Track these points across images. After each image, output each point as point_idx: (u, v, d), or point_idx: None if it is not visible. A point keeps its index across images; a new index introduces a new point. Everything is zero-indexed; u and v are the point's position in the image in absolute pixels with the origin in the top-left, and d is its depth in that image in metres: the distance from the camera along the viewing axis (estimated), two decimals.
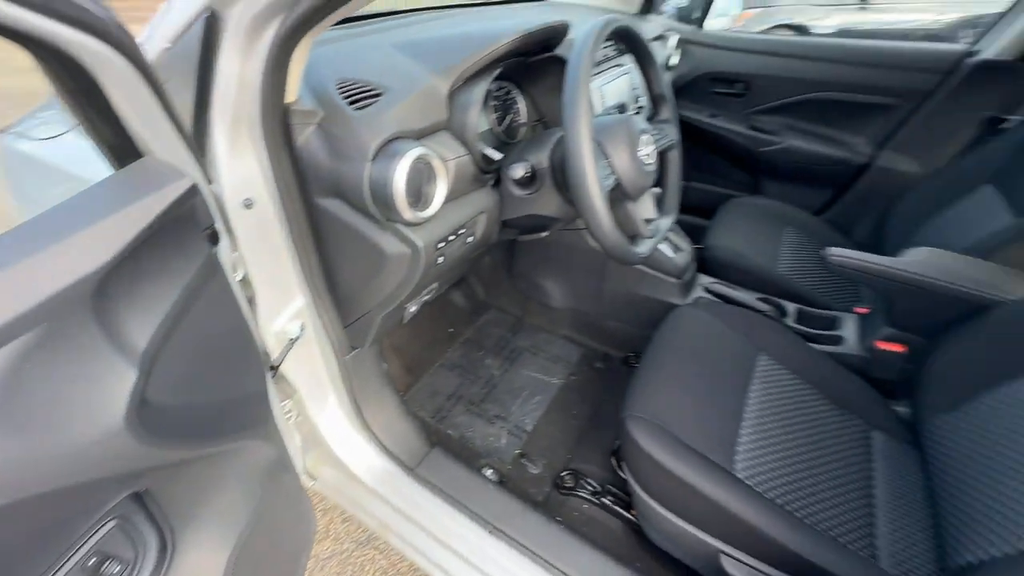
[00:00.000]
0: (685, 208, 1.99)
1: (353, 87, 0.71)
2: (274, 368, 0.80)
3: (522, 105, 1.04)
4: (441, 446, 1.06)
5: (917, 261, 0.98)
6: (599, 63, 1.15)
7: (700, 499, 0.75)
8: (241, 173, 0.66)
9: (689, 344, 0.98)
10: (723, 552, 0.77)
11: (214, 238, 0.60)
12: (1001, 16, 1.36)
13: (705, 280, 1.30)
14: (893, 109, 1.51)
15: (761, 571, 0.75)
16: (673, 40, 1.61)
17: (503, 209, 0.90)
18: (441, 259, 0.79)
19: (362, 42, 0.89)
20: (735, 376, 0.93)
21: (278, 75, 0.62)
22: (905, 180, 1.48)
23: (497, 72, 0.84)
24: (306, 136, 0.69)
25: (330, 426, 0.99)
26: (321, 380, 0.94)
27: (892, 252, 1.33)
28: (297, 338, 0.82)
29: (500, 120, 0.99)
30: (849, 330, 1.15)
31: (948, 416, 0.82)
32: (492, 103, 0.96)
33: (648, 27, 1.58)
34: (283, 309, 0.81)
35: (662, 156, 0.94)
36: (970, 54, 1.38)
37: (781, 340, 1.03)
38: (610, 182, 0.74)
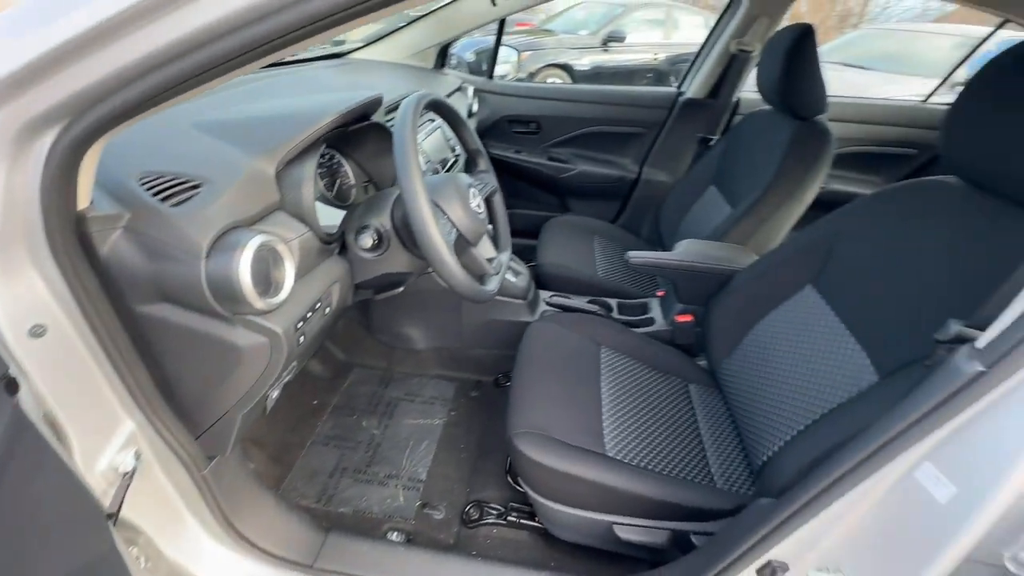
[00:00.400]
0: (513, 232, 2.25)
1: (161, 181, 0.66)
2: (112, 515, 0.67)
3: (349, 168, 1.07)
4: (336, 529, 1.00)
5: (684, 251, 1.31)
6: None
7: (587, 485, 0.88)
8: (22, 299, 0.56)
9: (546, 355, 1.13)
10: (614, 523, 0.92)
11: (12, 386, 0.50)
12: (691, 64, 1.90)
13: (545, 295, 1.49)
14: (643, 136, 1.97)
15: (643, 525, 0.91)
16: (470, 91, 1.81)
17: (354, 273, 0.91)
18: (302, 338, 0.77)
19: (154, 124, 0.81)
20: (587, 371, 1.11)
21: (65, 184, 0.54)
22: (664, 187, 1.93)
23: (321, 148, 0.86)
24: (112, 242, 0.62)
25: (195, 556, 0.85)
26: (174, 508, 0.81)
27: (668, 243, 1.73)
28: (134, 470, 0.71)
29: (330, 185, 1.00)
30: (656, 311, 1.46)
31: (729, 360, 1.12)
32: (319, 170, 0.97)
33: (447, 80, 1.75)
34: (107, 442, 0.69)
35: (488, 202, 1.07)
36: (681, 94, 1.89)
37: (613, 332, 1.25)
38: (452, 236, 0.83)
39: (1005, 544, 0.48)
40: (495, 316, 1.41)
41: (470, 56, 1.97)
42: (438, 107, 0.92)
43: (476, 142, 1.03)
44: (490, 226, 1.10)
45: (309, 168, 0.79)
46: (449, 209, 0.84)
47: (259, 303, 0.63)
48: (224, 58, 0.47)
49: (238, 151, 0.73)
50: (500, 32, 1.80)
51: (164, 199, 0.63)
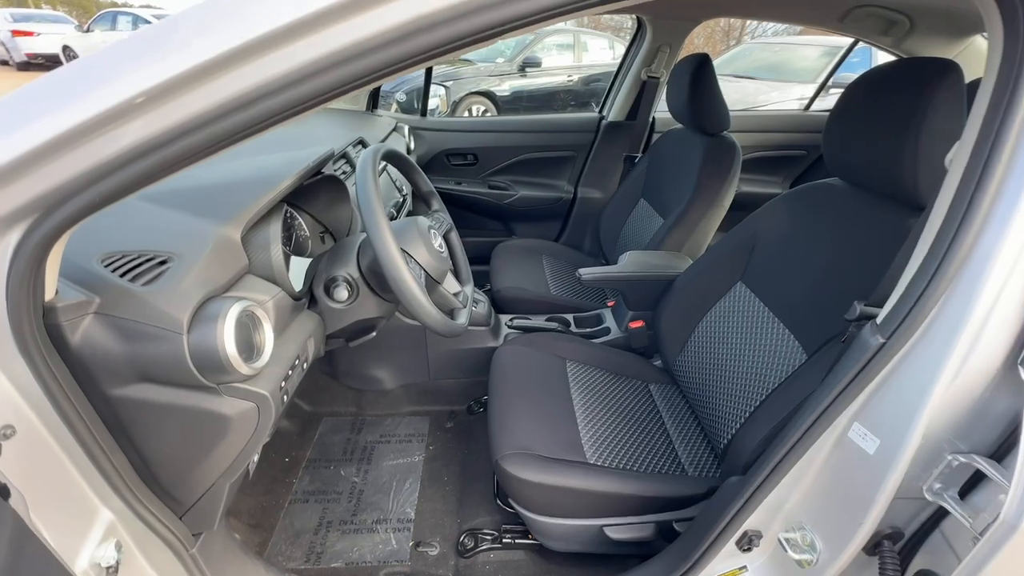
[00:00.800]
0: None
1: (125, 260, 0.65)
2: None
3: (303, 220, 1.08)
4: None
5: (627, 262, 1.43)
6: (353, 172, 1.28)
7: (575, 494, 0.94)
8: None
9: (517, 376, 1.19)
10: (604, 525, 0.98)
11: (3, 492, 0.48)
12: (608, 91, 2.08)
13: (505, 318, 1.55)
14: (574, 158, 2.12)
15: (631, 523, 0.98)
16: (406, 129, 1.86)
17: (326, 324, 0.92)
18: (286, 397, 0.77)
19: None
20: (558, 387, 1.18)
21: (32, 279, 0.53)
22: (599, 204, 2.07)
23: (283, 208, 0.88)
24: (83, 329, 0.60)
25: None
26: None
27: (610, 255, 1.86)
28: (117, 563, 0.68)
29: (287, 239, 1.01)
30: (610, 320, 1.56)
31: (680, 357, 1.23)
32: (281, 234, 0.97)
33: (381, 122, 1.79)
34: (85, 538, 0.65)
35: (446, 239, 1.12)
36: (603, 118, 2.06)
37: (575, 346, 1.33)
38: (421, 278, 0.87)
39: (921, 479, 0.59)
40: (460, 346, 1.45)
41: (401, 96, 2.02)
42: (393, 157, 0.96)
43: (428, 184, 1.09)
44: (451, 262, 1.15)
45: (274, 229, 0.80)
46: (415, 252, 0.88)
47: (245, 369, 0.63)
48: (208, 143, 0.49)
49: (201, 220, 0.73)
50: (429, 71, 1.88)
51: (133, 279, 0.63)
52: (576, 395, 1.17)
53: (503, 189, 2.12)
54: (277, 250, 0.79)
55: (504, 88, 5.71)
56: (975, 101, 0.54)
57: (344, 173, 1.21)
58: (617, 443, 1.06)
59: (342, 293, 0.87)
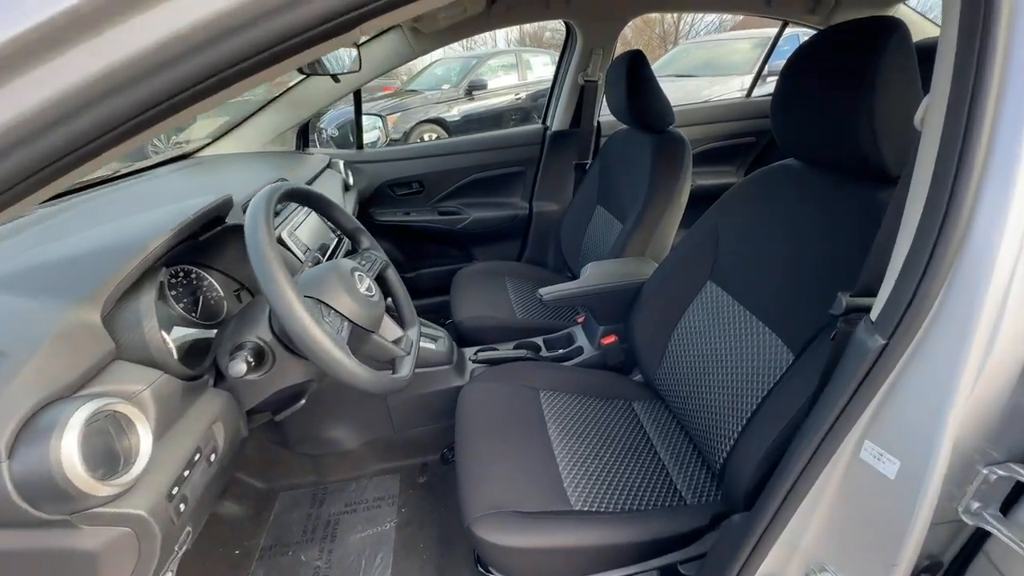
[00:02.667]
0: (426, 292, 2.18)
1: None
2: None
3: (213, 279, 0.94)
4: None
5: (591, 275, 1.33)
6: (276, 214, 1.15)
7: (563, 553, 0.81)
8: None
9: (485, 418, 1.06)
10: None
11: None
12: (548, 101, 2.02)
13: (469, 352, 1.42)
14: (523, 173, 2.03)
15: (630, 574, 0.85)
16: (341, 165, 1.74)
17: (241, 400, 0.78)
18: (182, 505, 0.62)
19: None
20: (532, 421, 1.05)
21: None
22: (556, 216, 1.99)
23: (160, 273, 0.73)
24: None
25: None
26: None
27: (575, 268, 1.77)
28: None
29: (192, 305, 0.87)
30: (582, 339, 1.45)
31: (660, 369, 1.13)
32: (172, 292, 0.83)
33: (312, 160, 1.67)
34: None
35: (381, 279, 1.00)
36: (547, 128, 1.99)
37: (547, 373, 1.22)
38: (345, 331, 0.74)
39: (954, 499, 0.49)
40: (423, 390, 1.31)
41: (333, 131, 1.90)
42: (296, 196, 0.84)
43: (352, 221, 0.96)
44: (389, 300, 1.03)
45: (147, 300, 0.66)
46: (335, 302, 0.75)
47: (103, 490, 0.49)
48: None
49: (41, 304, 0.58)
50: (358, 102, 1.78)
51: None
52: (554, 429, 1.04)
53: (455, 214, 2.01)
54: (152, 325, 0.64)
55: (454, 113, 5.69)
56: (938, 54, 0.46)
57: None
58: (605, 480, 0.93)
59: (246, 365, 0.71)
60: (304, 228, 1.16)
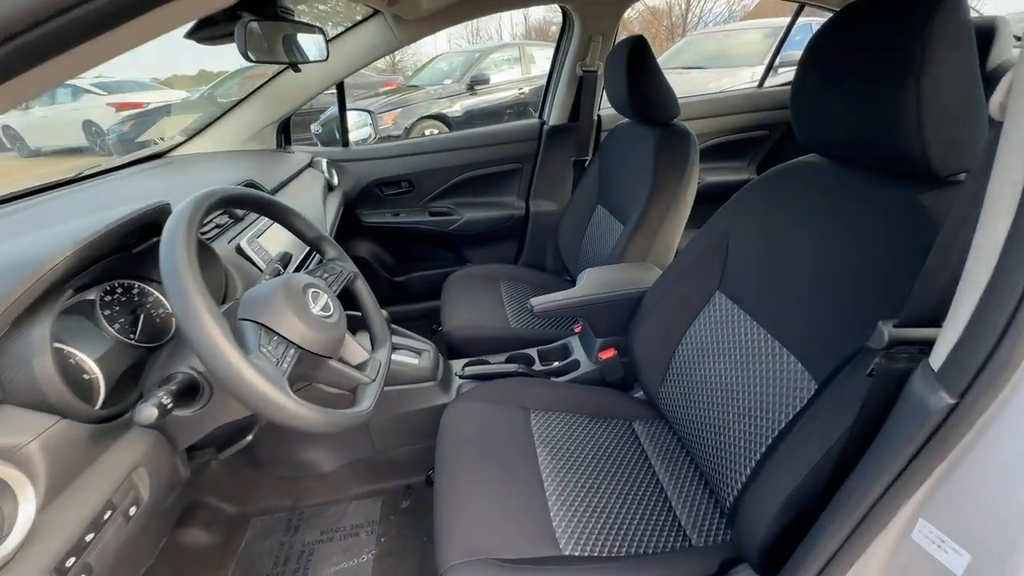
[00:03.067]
0: (417, 297, 2.07)
1: None
2: None
3: (160, 294, 0.84)
4: None
5: (587, 283, 1.21)
6: (239, 220, 1.04)
7: None
8: None
9: (468, 444, 0.96)
10: None
11: None
12: (545, 93, 1.90)
13: (457, 366, 1.32)
14: (519, 170, 1.91)
15: None
16: (324, 163, 1.64)
17: (176, 438, 0.68)
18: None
19: None
20: (520, 447, 0.95)
21: None
22: (555, 216, 1.87)
23: (68, 294, 0.63)
24: None
25: None
26: None
27: (574, 272, 1.65)
28: None
29: (131, 325, 0.77)
30: (578, 351, 1.34)
31: (663, 387, 1.02)
32: (107, 312, 0.73)
33: (292, 158, 1.57)
34: None
35: (350, 291, 0.89)
36: (544, 123, 1.87)
37: (540, 390, 1.11)
38: (290, 360, 0.63)
39: None
40: (406, 408, 1.21)
41: (315, 127, 1.80)
42: (238, 202, 0.73)
43: (313, 229, 0.86)
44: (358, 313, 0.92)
45: (40, 332, 0.56)
46: (280, 325, 0.65)
47: None
48: None
49: None
50: (342, 97, 1.67)
51: None
52: (544, 457, 0.94)
53: (447, 214, 1.90)
54: (46, 362, 0.54)
55: (456, 109, 5.58)
56: None
57: (220, 227, 0.98)
58: (600, 517, 0.83)
59: (170, 403, 0.60)
60: (269, 235, 1.06)
